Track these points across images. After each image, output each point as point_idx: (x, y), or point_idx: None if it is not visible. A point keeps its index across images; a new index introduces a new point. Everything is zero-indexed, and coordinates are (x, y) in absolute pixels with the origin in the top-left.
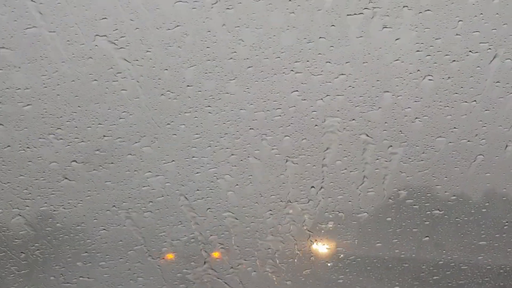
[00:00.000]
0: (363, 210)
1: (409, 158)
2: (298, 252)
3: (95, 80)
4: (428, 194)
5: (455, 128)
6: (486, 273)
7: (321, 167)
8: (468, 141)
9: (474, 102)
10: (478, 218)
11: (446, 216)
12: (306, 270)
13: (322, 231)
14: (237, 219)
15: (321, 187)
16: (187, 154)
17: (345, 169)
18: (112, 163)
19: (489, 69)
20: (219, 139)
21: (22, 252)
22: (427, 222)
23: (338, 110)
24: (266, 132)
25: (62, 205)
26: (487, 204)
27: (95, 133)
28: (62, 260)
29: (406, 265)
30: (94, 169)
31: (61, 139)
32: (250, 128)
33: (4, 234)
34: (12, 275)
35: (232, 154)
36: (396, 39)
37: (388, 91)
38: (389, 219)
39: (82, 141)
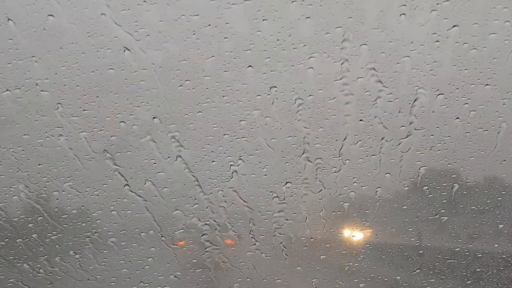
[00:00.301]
0: (378, 199)
1: (425, 147)
2: (313, 240)
3: (112, 69)
4: (444, 184)
5: (471, 117)
6: (502, 262)
7: (338, 156)
8: (485, 130)
9: (492, 90)
10: (494, 207)
11: (461, 206)
12: (321, 256)
13: (338, 219)
14: (251, 208)
15: (337, 176)
16: (203, 143)
17: (361, 158)
18: (129, 151)
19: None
20: (236, 128)
21: (39, 239)
22: (443, 211)
23: (354, 100)
24: (283, 121)
25: (80, 193)
26: (503, 192)
27: (113, 123)
28: (79, 247)
29: (421, 252)
30: (111, 157)
31: (79, 128)
32: (266, 117)
33: (21, 220)
34: (30, 262)
35: (249, 143)
36: (413, 30)
37: (406, 82)
38: (404, 207)
39: (101, 130)
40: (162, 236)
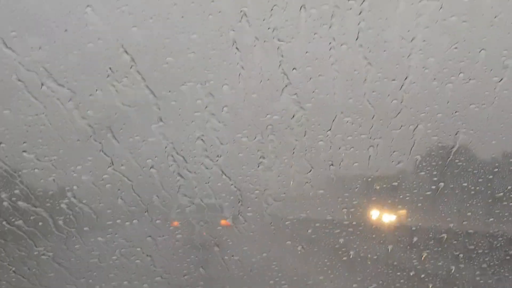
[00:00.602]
0: (389, 181)
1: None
2: (318, 224)
3: (95, 46)
4: (455, 171)
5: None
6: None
7: (327, 134)
8: (476, 107)
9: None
10: (486, 186)
11: (453, 184)
12: (312, 236)
13: (327, 198)
14: (238, 188)
15: (342, 159)
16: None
17: (351, 136)
18: (113, 130)
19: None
20: (222, 109)
21: (22, 219)
22: (434, 187)
23: (343, 78)
24: (270, 98)
25: (63, 172)
26: (496, 170)
27: (96, 102)
28: (64, 226)
29: (414, 229)
30: (96, 136)
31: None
32: (253, 94)
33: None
34: (13, 243)
35: (235, 120)
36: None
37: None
38: (415, 191)
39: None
40: (149, 216)
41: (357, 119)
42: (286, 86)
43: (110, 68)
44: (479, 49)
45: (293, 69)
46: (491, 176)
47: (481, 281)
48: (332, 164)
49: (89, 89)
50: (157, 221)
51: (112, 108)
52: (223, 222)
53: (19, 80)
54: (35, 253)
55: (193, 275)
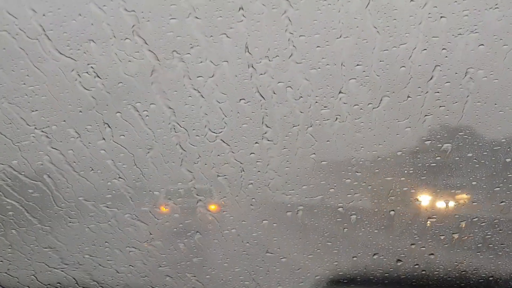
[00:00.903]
0: (395, 151)
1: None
2: (321, 196)
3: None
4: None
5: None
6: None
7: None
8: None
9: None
10: (493, 164)
11: (462, 164)
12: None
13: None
14: (241, 164)
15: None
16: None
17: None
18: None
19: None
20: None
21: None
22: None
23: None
24: (272, 73)
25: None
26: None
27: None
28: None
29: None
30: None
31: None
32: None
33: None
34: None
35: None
36: None
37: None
38: (421, 162)
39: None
40: (148, 189)
41: (364, 89)
42: (292, 54)
43: (114, 36)
44: (491, 16)
45: (301, 36)
46: (498, 147)
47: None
48: (337, 136)
49: (92, 58)
50: (156, 193)
51: (115, 78)
52: (214, 206)
53: (21, 48)
54: (34, 226)
55: (189, 242)
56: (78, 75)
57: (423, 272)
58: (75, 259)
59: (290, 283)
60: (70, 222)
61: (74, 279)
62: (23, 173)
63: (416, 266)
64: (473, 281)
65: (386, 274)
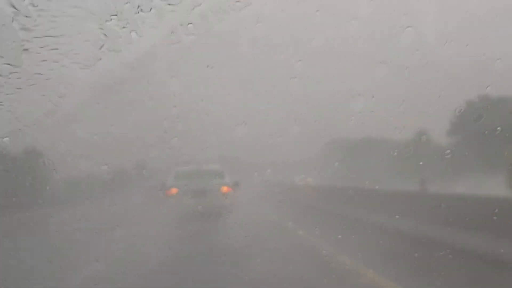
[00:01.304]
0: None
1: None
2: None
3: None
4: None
5: None
6: None
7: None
8: None
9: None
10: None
11: None
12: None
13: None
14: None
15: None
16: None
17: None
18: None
19: None
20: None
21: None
22: None
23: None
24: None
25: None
26: None
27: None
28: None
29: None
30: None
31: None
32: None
33: None
34: None
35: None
36: None
37: None
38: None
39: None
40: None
41: (370, 70)
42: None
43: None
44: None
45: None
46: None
47: None
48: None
49: (94, 46)
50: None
51: (117, 66)
52: (225, 190)
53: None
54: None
55: (194, 214)
56: (79, 62)
57: None
58: None
59: None
60: (71, 206)
61: None
62: (26, 153)
63: None
64: None
65: None
